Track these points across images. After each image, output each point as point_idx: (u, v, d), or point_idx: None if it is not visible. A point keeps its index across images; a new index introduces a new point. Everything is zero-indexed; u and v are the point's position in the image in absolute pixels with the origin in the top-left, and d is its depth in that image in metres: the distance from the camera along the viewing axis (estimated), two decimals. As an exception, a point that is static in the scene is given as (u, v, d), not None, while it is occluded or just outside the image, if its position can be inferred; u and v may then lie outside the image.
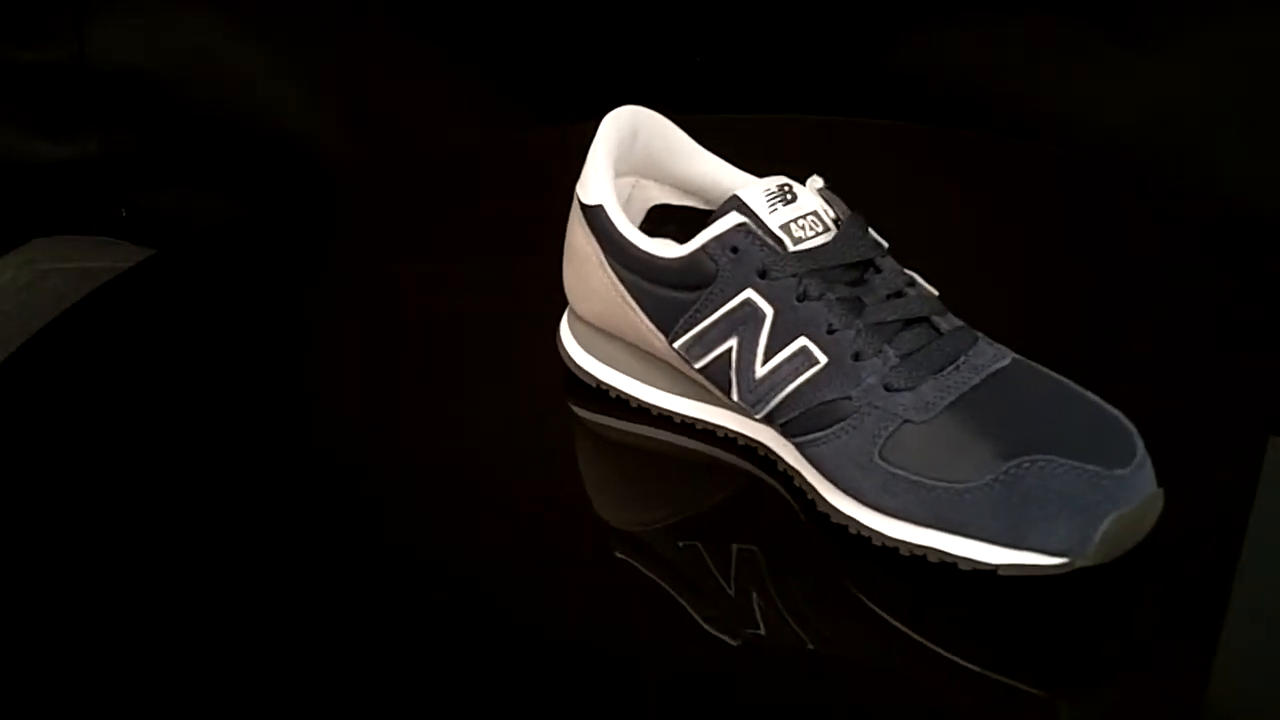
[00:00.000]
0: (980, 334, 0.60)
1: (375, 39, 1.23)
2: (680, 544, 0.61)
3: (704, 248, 0.61)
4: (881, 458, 0.57)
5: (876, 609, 0.57)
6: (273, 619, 0.58)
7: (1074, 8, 1.08)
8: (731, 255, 0.60)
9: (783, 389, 0.59)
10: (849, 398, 0.58)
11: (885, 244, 0.62)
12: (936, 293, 0.61)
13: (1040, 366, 0.59)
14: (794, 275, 0.59)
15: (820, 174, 0.64)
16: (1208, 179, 1.03)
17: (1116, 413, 0.57)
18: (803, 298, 0.59)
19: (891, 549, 0.57)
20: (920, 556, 0.56)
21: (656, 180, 0.69)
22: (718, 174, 0.67)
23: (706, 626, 0.56)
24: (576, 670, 0.55)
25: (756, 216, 0.60)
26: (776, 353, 0.59)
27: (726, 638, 0.56)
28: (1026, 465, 0.55)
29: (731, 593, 0.58)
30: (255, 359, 0.74)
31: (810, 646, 0.56)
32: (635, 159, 0.68)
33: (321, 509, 0.64)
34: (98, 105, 1.30)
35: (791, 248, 0.59)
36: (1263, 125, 1.08)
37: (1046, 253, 0.80)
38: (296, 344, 0.76)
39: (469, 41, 1.21)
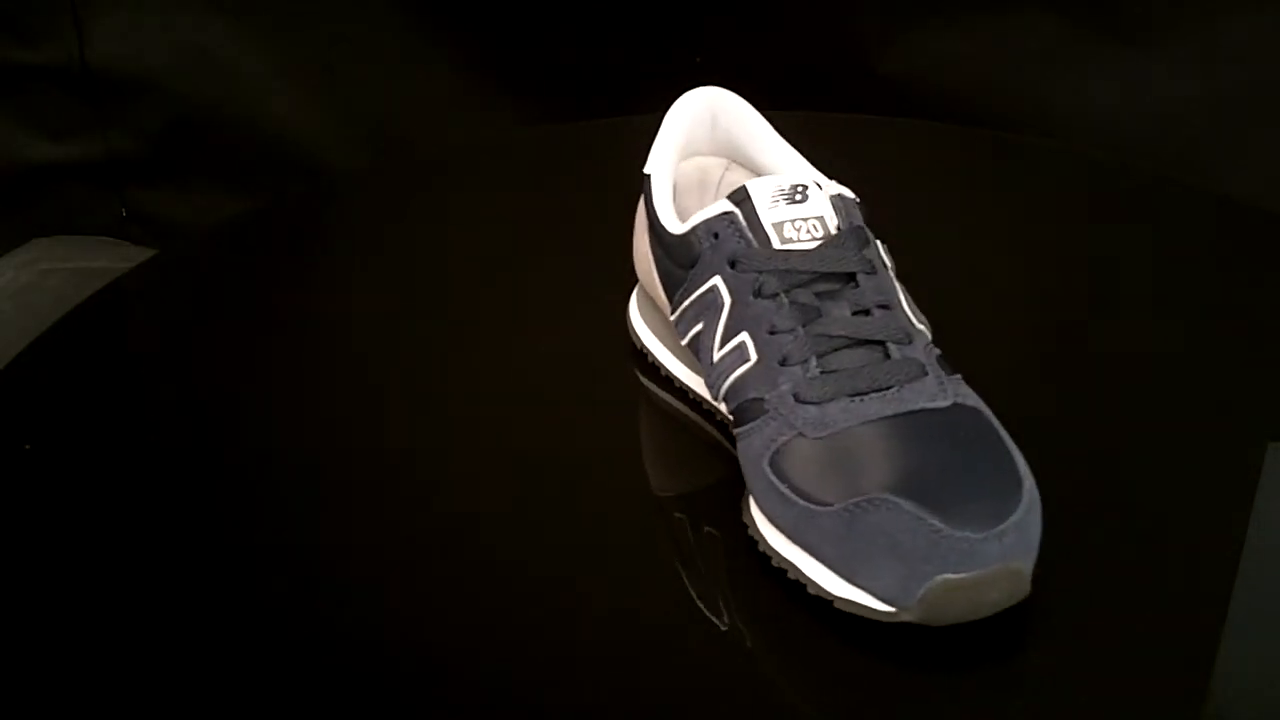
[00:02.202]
0: (936, 373, 0.57)
1: (375, 39, 1.23)
2: (625, 517, 0.62)
3: (694, 229, 0.62)
4: (769, 464, 0.57)
5: (740, 612, 0.57)
6: (304, 609, 0.58)
7: (1074, 8, 1.08)
8: (713, 240, 0.61)
9: (727, 379, 0.60)
10: (763, 399, 0.58)
11: (887, 264, 0.61)
12: (921, 325, 0.60)
13: (989, 418, 0.57)
14: (757, 271, 0.59)
15: (821, 168, 0.64)
16: (1208, 178, 1.03)
17: (1023, 479, 0.54)
18: (758, 294, 0.59)
19: (767, 556, 0.57)
20: (784, 570, 0.56)
21: (743, 164, 0.70)
22: (789, 164, 0.68)
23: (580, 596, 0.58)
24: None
25: (753, 209, 0.60)
26: (726, 342, 0.60)
27: (592, 607, 0.57)
28: (876, 502, 0.53)
29: (620, 573, 0.59)
30: (268, 358, 0.74)
31: (662, 634, 0.56)
32: (719, 141, 0.69)
33: (337, 504, 0.64)
34: (98, 105, 1.30)
35: (776, 246, 0.59)
36: (1263, 125, 1.08)
37: (1045, 251, 0.80)
38: (301, 341, 0.76)
39: (469, 41, 1.21)
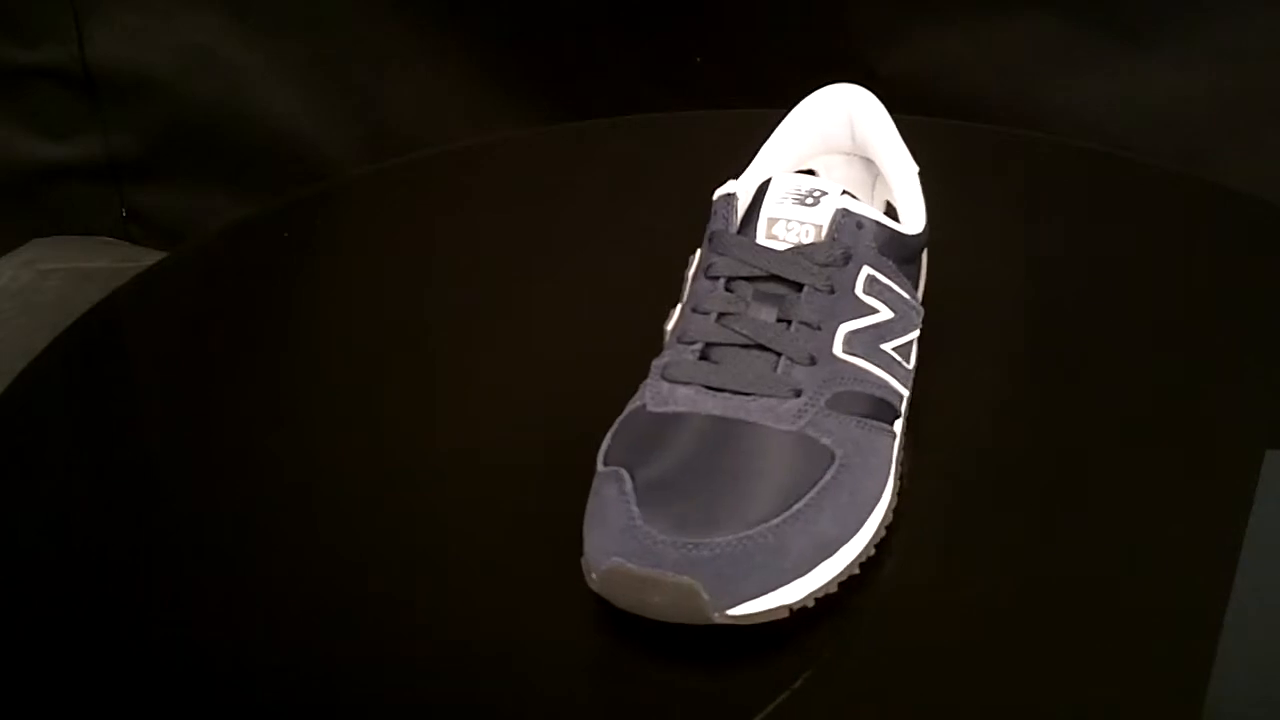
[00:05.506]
0: (813, 402, 0.56)
1: (376, 39, 1.23)
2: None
3: (711, 205, 0.63)
4: (614, 427, 0.58)
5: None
6: (325, 620, 0.58)
7: (1073, 8, 1.08)
8: (713, 215, 0.62)
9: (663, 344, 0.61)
10: (650, 369, 0.59)
11: (856, 290, 0.59)
12: (855, 359, 0.58)
13: (838, 464, 0.55)
14: (717, 253, 0.60)
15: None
16: (1209, 178, 1.03)
17: (776, 522, 0.52)
18: (706, 274, 0.60)
19: None
20: None
21: (880, 167, 0.70)
22: (898, 172, 0.68)
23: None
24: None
25: (759, 199, 0.60)
26: (676, 310, 0.62)
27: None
28: (614, 476, 0.54)
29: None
30: (270, 362, 0.74)
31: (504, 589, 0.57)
32: (859, 141, 0.70)
33: (355, 507, 0.64)
34: (98, 105, 1.30)
35: (760, 239, 0.59)
36: (1263, 124, 1.08)
37: (1045, 249, 0.80)
38: (302, 344, 0.76)
39: (469, 41, 1.22)
